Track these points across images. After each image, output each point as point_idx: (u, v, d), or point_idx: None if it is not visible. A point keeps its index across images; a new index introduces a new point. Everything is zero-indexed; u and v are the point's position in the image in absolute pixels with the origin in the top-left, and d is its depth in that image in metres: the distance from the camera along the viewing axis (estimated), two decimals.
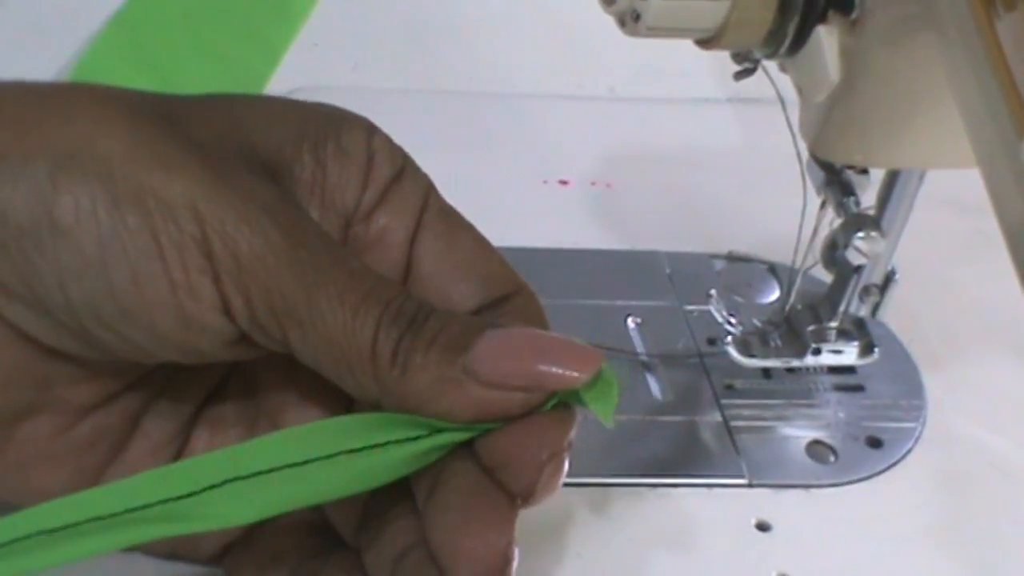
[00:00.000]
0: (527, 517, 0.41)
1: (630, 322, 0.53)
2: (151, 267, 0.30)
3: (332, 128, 0.35)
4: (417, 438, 0.31)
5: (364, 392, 0.31)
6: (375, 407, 0.32)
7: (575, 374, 0.31)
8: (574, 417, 0.32)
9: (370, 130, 0.36)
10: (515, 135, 0.66)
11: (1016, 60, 0.29)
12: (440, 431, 0.31)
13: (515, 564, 0.31)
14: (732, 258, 0.57)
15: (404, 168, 0.36)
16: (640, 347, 0.52)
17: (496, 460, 0.32)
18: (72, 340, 0.32)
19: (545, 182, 0.63)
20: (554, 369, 0.31)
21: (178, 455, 0.37)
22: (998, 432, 0.49)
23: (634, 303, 0.54)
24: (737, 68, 0.42)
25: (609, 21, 0.40)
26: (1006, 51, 0.30)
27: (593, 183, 0.63)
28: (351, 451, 0.31)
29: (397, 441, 0.31)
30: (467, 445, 0.32)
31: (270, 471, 0.31)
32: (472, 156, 0.63)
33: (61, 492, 0.35)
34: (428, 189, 0.37)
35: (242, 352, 0.33)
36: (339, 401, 0.36)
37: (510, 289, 0.36)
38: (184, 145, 0.31)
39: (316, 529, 0.37)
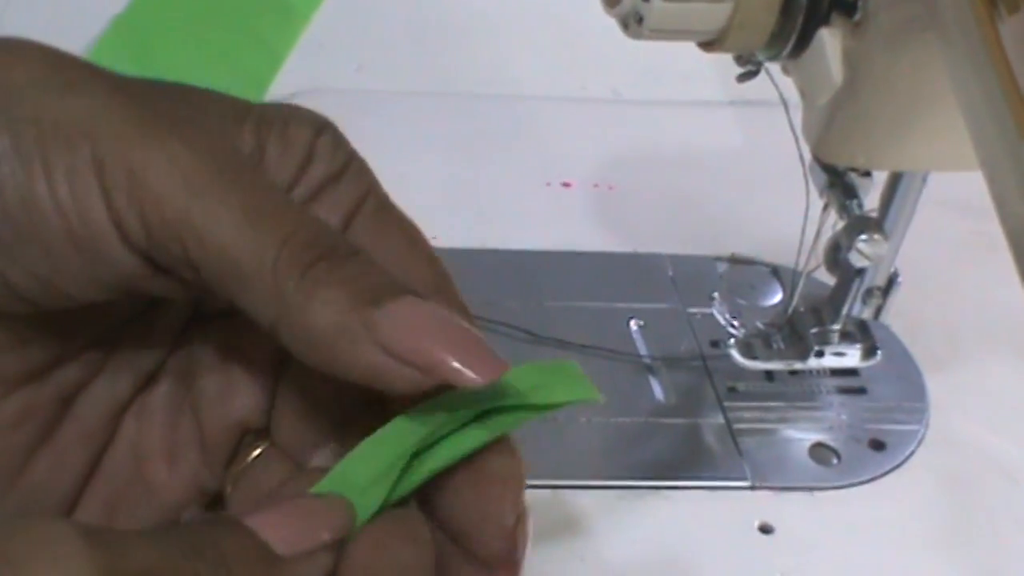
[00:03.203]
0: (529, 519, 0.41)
1: (633, 324, 0.53)
2: (37, 189, 0.29)
3: (279, 120, 0.34)
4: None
5: (261, 313, 0.30)
6: (271, 330, 0.30)
7: (474, 376, 0.29)
8: (523, 468, 0.31)
9: (319, 129, 0.34)
10: (518, 137, 0.66)
11: (1018, 62, 0.29)
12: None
13: None
14: (735, 260, 0.57)
15: (345, 170, 0.35)
16: (643, 349, 0.52)
17: (457, 527, 0.31)
18: None
19: (548, 184, 0.63)
20: (455, 363, 0.29)
21: (107, 442, 0.36)
22: (1000, 434, 0.49)
23: (637, 305, 0.54)
24: (740, 70, 0.42)
25: (612, 23, 0.40)
26: (1008, 53, 0.30)
27: (596, 185, 0.63)
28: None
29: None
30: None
31: None
32: (475, 158, 0.63)
33: None
34: (368, 190, 0.36)
35: (157, 284, 0.31)
36: (265, 395, 0.35)
37: (432, 296, 0.36)
38: (96, 73, 0.30)
39: None
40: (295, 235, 0.30)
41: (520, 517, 0.31)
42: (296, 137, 0.34)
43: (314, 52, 0.71)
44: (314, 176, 0.34)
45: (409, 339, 0.29)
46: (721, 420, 0.48)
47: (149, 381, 0.37)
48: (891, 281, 0.47)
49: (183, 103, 0.32)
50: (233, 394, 0.35)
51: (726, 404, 0.49)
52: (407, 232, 0.36)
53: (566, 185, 0.63)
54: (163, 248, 0.30)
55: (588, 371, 0.32)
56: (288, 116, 0.34)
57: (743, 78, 0.42)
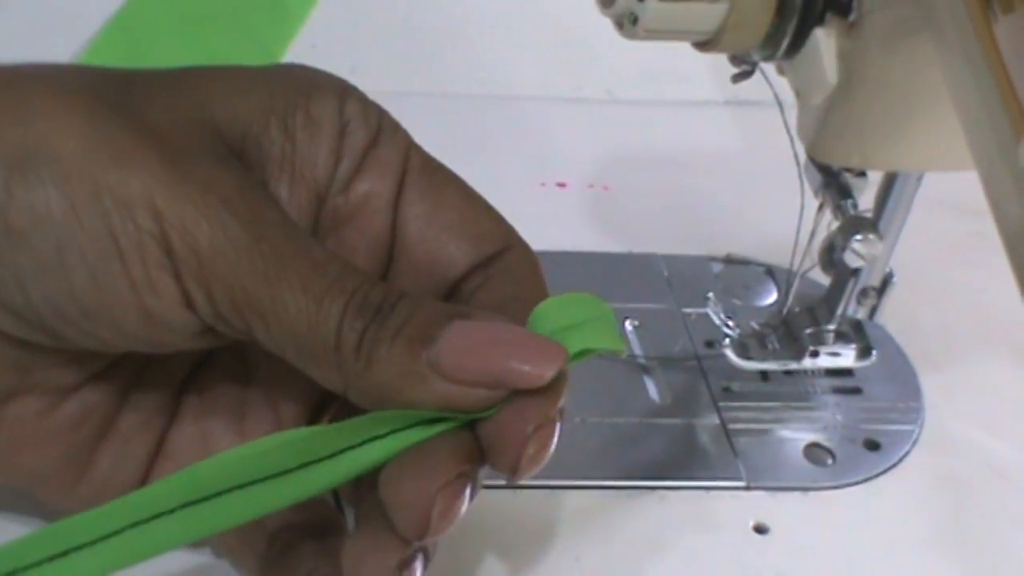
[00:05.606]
0: (525, 519, 0.41)
1: (628, 325, 0.53)
2: (110, 267, 0.30)
3: (302, 98, 0.34)
4: (400, 429, 0.31)
5: (329, 383, 0.31)
6: (342, 395, 0.31)
7: (538, 372, 0.30)
8: (562, 387, 0.32)
9: (342, 96, 0.35)
10: (513, 137, 0.66)
11: (1013, 62, 0.29)
12: (426, 421, 0.31)
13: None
14: (730, 261, 0.57)
15: (380, 130, 0.35)
16: (638, 350, 0.52)
17: (486, 436, 0.31)
18: (41, 335, 0.31)
19: (543, 185, 0.63)
20: (517, 367, 0.30)
21: (169, 424, 0.37)
22: (995, 434, 0.49)
23: (632, 306, 0.54)
24: (735, 71, 0.42)
25: (607, 23, 0.40)
26: (1003, 53, 0.30)
27: (591, 186, 0.63)
28: (347, 448, 0.31)
29: (381, 436, 0.31)
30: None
31: (267, 477, 0.31)
32: (470, 158, 0.63)
33: (53, 471, 0.35)
34: (408, 148, 0.36)
35: (208, 342, 0.33)
36: None
37: (502, 244, 0.36)
38: (142, 137, 0.31)
39: None
40: (350, 304, 0.30)
41: (540, 427, 0.31)
42: (322, 115, 0.34)
43: (308, 53, 0.71)
44: (354, 146, 0.35)
45: (470, 363, 0.30)
46: (716, 420, 0.48)
47: (203, 361, 0.37)
48: (886, 281, 0.47)
49: (216, 141, 0.33)
50: (297, 373, 0.36)
51: (721, 404, 0.49)
52: (458, 185, 0.36)
53: (561, 185, 0.63)
54: (227, 322, 0.31)
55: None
56: (309, 91, 0.34)
57: (738, 78, 0.42)
